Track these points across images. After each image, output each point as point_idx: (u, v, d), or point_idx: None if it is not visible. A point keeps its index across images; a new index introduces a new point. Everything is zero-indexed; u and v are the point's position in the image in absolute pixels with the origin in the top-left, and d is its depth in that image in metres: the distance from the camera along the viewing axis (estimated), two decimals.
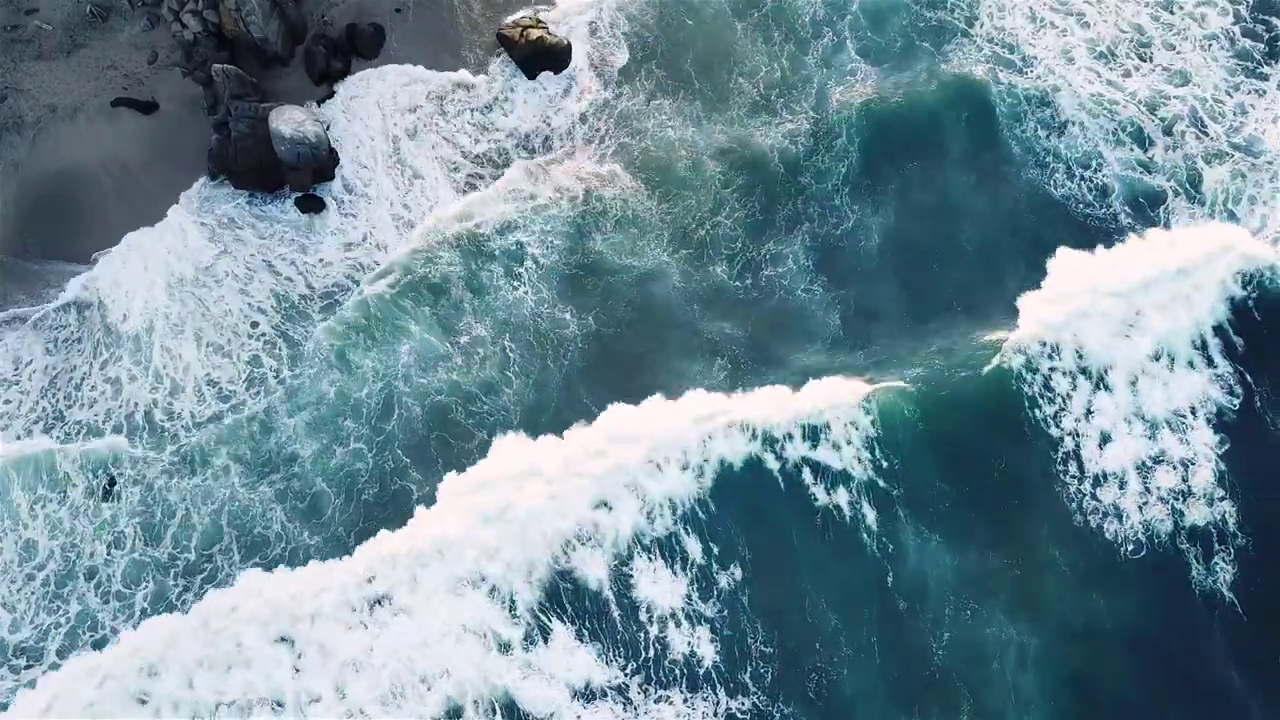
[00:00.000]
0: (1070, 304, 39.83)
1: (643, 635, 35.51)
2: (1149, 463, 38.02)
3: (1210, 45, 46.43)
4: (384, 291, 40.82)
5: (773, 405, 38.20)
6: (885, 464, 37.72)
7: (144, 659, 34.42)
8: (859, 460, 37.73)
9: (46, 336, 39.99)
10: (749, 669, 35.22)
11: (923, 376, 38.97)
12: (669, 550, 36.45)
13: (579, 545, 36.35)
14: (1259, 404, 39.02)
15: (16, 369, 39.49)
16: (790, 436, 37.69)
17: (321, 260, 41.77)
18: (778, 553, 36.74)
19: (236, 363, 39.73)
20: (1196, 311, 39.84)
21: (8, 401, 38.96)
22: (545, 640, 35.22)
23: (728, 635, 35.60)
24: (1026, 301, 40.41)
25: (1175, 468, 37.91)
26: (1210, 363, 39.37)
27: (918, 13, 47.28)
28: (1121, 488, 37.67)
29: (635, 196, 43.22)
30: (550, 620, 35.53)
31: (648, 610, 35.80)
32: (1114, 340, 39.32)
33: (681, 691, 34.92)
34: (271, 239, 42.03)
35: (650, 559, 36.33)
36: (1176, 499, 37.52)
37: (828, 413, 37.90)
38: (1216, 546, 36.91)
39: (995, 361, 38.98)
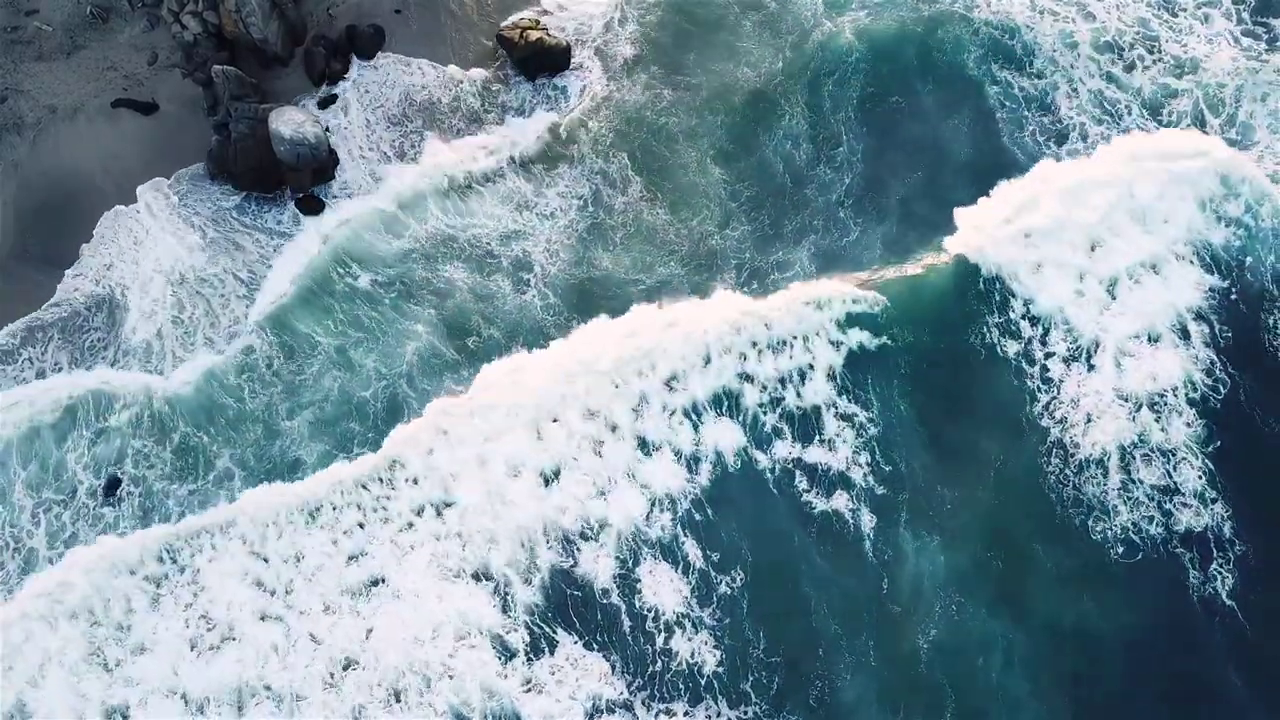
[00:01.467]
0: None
1: (643, 639, 35.58)
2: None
3: (1215, 40, 46.60)
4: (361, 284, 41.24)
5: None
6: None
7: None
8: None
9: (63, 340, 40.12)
10: (749, 674, 35.42)
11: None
12: (666, 545, 36.74)
13: (581, 542, 36.63)
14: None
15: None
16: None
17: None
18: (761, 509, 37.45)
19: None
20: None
21: None
22: (550, 650, 35.29)
23: (721, 610, 35.97)
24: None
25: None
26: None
27: (914, 6, 47.43)
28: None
29: (647, 206, 43.25)
30: (554, 629, 35.64)
31: (651, 611, 35.92)
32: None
33: (683, 703, 34.99)
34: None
35: (652, 552, 36.58)
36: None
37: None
38: (1211, 546, 37.12)
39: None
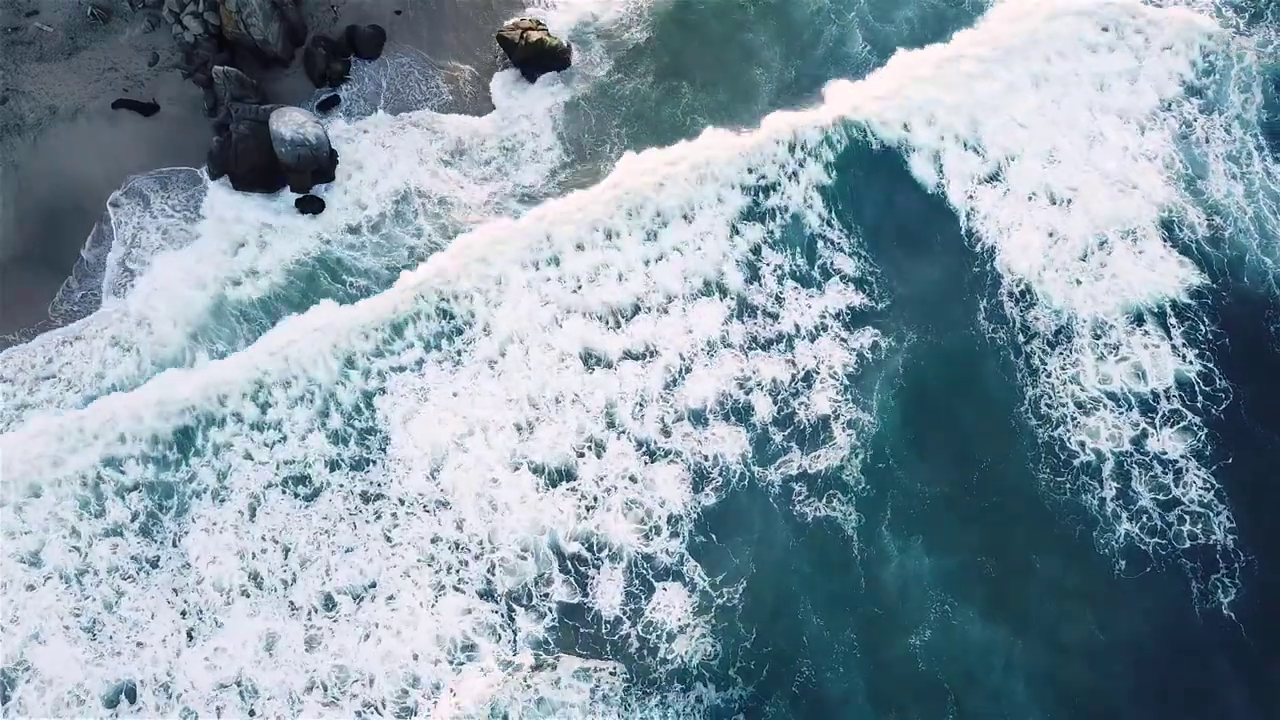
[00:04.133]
0: None
1: (638, 644, 35.66)
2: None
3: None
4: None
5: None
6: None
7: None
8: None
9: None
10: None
11: None
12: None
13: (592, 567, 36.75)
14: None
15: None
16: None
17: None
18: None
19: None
20: None
21: None
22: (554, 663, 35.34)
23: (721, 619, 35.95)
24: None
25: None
26: None
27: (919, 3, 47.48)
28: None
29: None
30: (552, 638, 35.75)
31: (648, 619, 35.97)
32: None
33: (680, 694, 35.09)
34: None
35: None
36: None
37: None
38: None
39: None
